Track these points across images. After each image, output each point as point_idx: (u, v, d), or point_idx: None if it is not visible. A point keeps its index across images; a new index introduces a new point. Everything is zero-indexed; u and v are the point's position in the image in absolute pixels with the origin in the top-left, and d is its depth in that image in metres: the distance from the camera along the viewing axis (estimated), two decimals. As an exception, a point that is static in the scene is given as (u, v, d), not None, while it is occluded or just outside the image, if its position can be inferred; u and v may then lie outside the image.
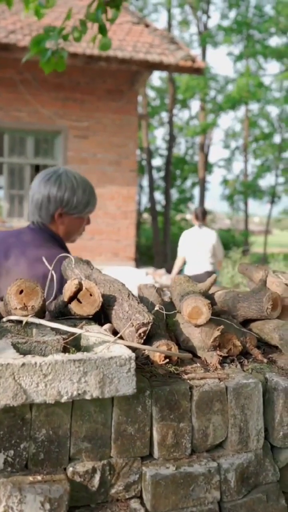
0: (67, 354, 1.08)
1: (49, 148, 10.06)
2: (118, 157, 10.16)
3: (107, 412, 1.12)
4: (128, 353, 1.08)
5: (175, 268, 7.25)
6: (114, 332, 1.32)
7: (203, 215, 7.12)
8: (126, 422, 1.13)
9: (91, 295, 1.32)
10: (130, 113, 10.17)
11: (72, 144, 9.89)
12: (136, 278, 8.14)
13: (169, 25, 21.95)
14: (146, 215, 24.21)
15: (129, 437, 1.14)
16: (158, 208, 21.28)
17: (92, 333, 1.18)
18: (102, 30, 3.29)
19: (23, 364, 0.98)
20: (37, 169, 10.01)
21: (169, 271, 11.00)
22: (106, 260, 9.97)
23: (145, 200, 23.54)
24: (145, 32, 10.41)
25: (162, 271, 10.42)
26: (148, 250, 20.04)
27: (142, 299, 1.57)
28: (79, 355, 1.04)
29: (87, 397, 1.04)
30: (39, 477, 1.05)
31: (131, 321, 1.22)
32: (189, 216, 22.17)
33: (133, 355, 1.07)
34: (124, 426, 1.13)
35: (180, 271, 7.19)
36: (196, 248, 6.93)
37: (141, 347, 1.18)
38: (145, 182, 22.97)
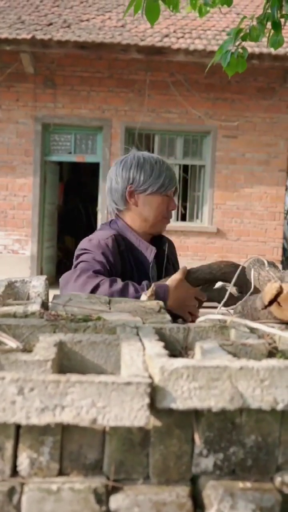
0: (280, 359, 1.04)
1: (197, 149, 10.11)
2: (267, 157, 9.92)
3: None
4: None
5: None
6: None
7: None
8: None
9: (292, 299, 1.26)
10: (281, 111, 9.87)
11: (221, 144, 9.85)
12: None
13: None
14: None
15: None
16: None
17: (300, 339, 1.13)
18: (277, 27, 3.21)
19: (241, 368, 0.96)
20: (185, 169, 10.11)
21: None
22: (252, 261, 9.77)
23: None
24: (299, 27, 10.05)
25: (310, 275, 9.97)
26: (292, 253, 19.35)
27: None
28: (295, 362, 0.99)
29: (303, 406, 0.99)
30: (248, 484, 1.02)
31: None
32: None
33: None
34: None
35: None
36: None
37: None
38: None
